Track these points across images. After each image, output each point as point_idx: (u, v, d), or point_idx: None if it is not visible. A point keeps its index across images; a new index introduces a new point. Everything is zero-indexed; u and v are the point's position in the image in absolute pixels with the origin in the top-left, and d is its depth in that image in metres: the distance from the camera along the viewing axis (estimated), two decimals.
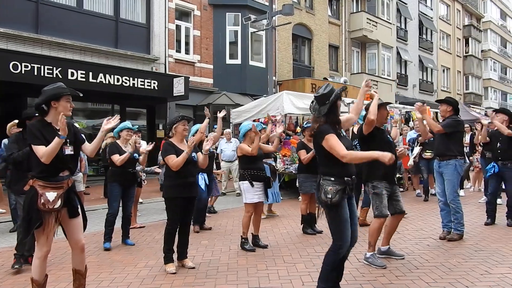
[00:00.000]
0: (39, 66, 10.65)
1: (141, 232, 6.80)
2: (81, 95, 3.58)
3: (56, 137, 3.31)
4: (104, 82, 12.01)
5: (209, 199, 8.61)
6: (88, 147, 3.68)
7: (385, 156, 3.31)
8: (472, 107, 30.48)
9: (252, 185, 5.47)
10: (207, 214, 7.33)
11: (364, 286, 4.04)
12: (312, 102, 3.69)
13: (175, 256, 4.82)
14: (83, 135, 3.76)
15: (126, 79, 12.59)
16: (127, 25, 13.99)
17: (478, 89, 37.43)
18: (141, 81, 12.99)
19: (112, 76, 12.21)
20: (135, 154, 5.97)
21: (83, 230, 3.64)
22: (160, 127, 14.82)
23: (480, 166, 9.75)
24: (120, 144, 5.93)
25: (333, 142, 3.44)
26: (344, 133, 3.84)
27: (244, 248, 5.50)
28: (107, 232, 5.76)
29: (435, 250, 5.26)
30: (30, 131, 3.40)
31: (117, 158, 5.71)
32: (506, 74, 43.39)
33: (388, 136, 4.95)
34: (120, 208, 5.90)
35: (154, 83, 13.35)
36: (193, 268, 4.75)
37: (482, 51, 38.34)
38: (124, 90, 12.62)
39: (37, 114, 3.64)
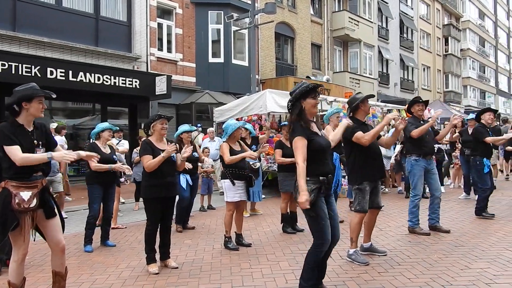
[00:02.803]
0: (16, 64, 10.42)
1: (123, 232, 6.71)
2: (54, 96, 3.47)
3: (46, 156, 3.30)
4: (84, 80, 11.82)
5: (202, 198, 8.60)
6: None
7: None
8: (452, 105, 30.99)
9: (234, 184, 5.45)
10: (191, 214, 7.29)
11: (347, 283, 4.06)
12: (289, 102, 3.70)
13: (157, 256, 4.77)
14: (61, 138, 3.70)
15: (107, 77, 12.42)
16: (108, 23, 13.79)
17: (458, 88, 38.08)
18: (122, 80, 12.83)
19: (92, 74, 12.03)
20: (114, 156, 5.88)
21: (62, 231, 3.56)
22: (143, 126, 14.63)
23: (459, 163, 9.94)
24: (99, 145, 5.79)
25: (297, 146, 3.47)
26: (323, 132, 3.82)
27: (227, 247, 5.48)
28: (87, 235, 5.65)
29: (416, 246, 5.32)
30: (1, 133, 3.27)
31: (94, 164, 5.52)
32: (484, 73, 44.25)
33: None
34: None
35: (136, 81, 13.21)
36: (176, 268, 4.71)
37: (461, 50, 39.01)
38: (105, 89, 12.45)
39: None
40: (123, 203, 9.56)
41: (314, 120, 3.75)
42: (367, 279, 4.16)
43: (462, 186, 9.67)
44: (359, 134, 4.64)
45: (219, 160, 9.10)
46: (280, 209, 6.53)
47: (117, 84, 12.67)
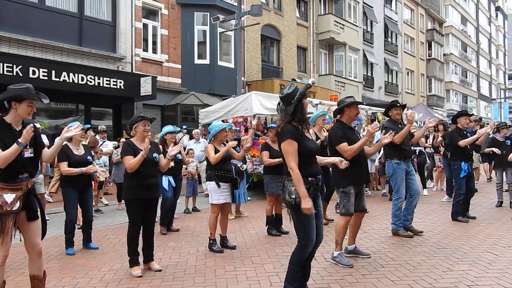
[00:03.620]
0: None
1: (106, 234, 6.63)
2: (47, 101, 3.42)
3: (15, 144, 3.16)
4: (67, 80, 11.65)
5: (187, 200, 8.54)
6: (46, 153, 3.56)
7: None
8: (435, 109, 31.46)
9: (219, 186, 5.43)
10: (175, 215, 7.24)
11: (332, 285, 4.08)
12: (279, 103, 3.69)
13: (141, 259, 4.72)
14: (44, 138, 3.63)
15: (91, 78, 12.27)
16: (92, 23, 13.62)
17: (441, 92, 38.69)
18: (106, 80, 12.69)
19: (76, 74, 11.88)
20: (89, 157, 5.67)
21: (41, 234, 3.49)
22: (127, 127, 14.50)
23: (442, 166, 10.08)
24: (71, 146, 5.52)
25: (289, 150, 3.47)
26: (312, 136, 3.85)
27: (212, 250, 5.45)
28: (68, 239, 5.53)
29: (399, 248, 5.37)
30: None
31: (64, 168, 5.38)
32: (466, 77, 45.04)
33: (358, 135, 5.02)
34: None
35: (120, 82, 13.08)
36: (160, 270, 4.67)
37: (444, 54, 39.68)
38: (89, 89, 12.29)
39: None
40: (107, 205, 9.46)
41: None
42: (351, 282, 4.18)
43: (445, 189, 9.80)
44: (344, 146, 4.67)
45: (204, 162, 9.08)
46: (265, 211, 6.52)
47: (101, 84, 12.52)
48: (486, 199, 9.27)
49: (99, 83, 12.46)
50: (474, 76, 47.59)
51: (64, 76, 11.59)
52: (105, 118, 14.62)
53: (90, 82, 12.25)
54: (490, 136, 8.56)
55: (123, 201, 8.87)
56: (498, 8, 58.07)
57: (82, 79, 12.00)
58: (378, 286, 4.02)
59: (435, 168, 11.35)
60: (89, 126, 8.80)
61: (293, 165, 3.43)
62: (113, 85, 12.86)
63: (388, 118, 6.21)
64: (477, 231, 6.23)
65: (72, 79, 11.76)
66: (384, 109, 14.06)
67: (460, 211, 6.97)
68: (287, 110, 3.57)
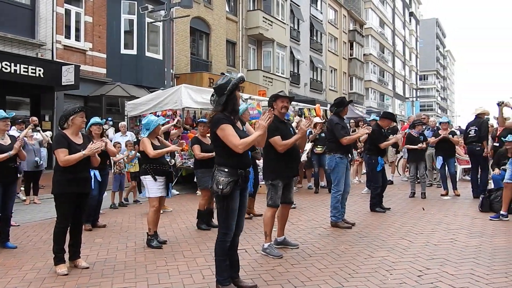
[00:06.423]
0: None
1: (26, 232, 6.23)
2: None
3: None
4: None
5: (113, 195, 8.23)
6: None
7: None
8: (356, 106, 33.12)
9: (155, 180, 5.34)
10: (101, 211, 6.98)
11: (263, 276, 4.18)
12: (213, 95, 3.70)
13: (66, 256, 4.50)
14: None
15: (6, 64, 11.39)
16: (8, 5, 12.56)
17: (361, 90, 40.81)
18: (24, 68, 11.85)
19: None
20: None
21: None
22: (47, 118, 13.64)
23: (360, 160, 10.83)
24: None
25: (228, 132, 3.50)
26: (244, 127, 3.91)
27: (151, 246, 5.29)
28: None
29: (325, 238, 5.64)
30: None
31: None
32: (383, 77, 47.96)
33: (291, 129, 5.15)
34: None
35: (40, 70, 12.32)
36: (87, 268, 4.48)
37: (364, 54, 41.90)
38: (4, 77, 11.42)
39: None
40: (24, 200, 8.85)
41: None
42: (281, 271, 4.32)
43: (365, 182, 10.39)
44: (277, 139, 4.77)
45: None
46: (198, 206, 6.44)
47: (18, 72, 11.69)
48: (401, 190, 9.99)
49: (15, 70, 11.63)
50: (390, 76, 50.80)
51: None
52: (21, 108, 13.65)
53: (6, 68, 11.40)
54: (406, 131, 9.27)
55: (32, 196, 8.44)
56: (411, 14, 62.38)
57: None
58: (306, 275, 4.20)
59: (352, 162, 11.97)
60: (14, 114, 8.13)
61: (237, 143, 3.47)
62: (32, 73, 12.05)
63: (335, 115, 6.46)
64: (393, 220, 6.71)
65: None
66: (310, 105, 14.54)
67: (377, 203, 7.46)
68: (219, 100, 3.61)
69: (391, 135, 8.39)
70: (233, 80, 3.61)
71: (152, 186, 5.37)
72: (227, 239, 3.61)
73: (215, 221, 6.41)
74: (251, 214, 6.98)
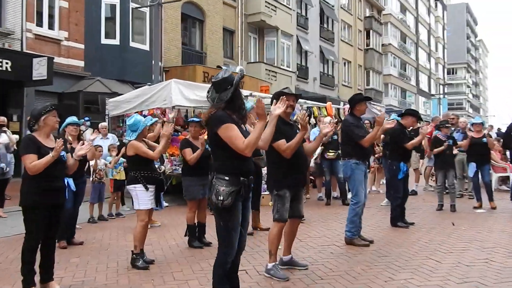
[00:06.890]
0: None
1: None
2: None
3: None
4: None
5: (92, 207, 8.22)
6: None
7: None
8: (373, 104, 33.05)
9: (147, 189, 5.34)
10: (77, 225, 6.97)
11: None
12: (209, 91, 3.68)
13: (37, 278, 4.48)
14: None
15: None
16: None
17: (379, 85, 40.82)
18: None
19: None
20: None
21: None
22: (15, 118, 13.68)
23: (378, 166, 10.78)
24: None
25: (233, 133, 3.48)
26: (247, 128, 3.91)
27: (136, 266, 5.28)
28: None
29: (339, 257, 5.62)
30: None
31: None
32: (405, 71, 48.00)
33: (298, 131, 5.12)
34: None
35: (7, 63, 12.44)
36: None
37: (382, 45, 41.92)
38: None
39: None
40: None
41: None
42: None
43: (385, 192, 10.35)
44: (281, 143, 4.71)
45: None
46: (186, 220, 6.43)
47: None
48: (426, 202, 9.97)
49: None
50: (413, 70, 50.89)
51: None
52: None
53: None
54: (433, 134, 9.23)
55: None
56: None
57: None
58: None
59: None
60: None
61: (243, 146, 3.44)
62: None
63: (350, 113, 6.39)
64: (418, 237, 6.69)
65: None
66: (321, 104, 14.49)
67: (398, 216, 7.42)
68: (221, 96, 3.59)
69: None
70: (239, 73, 3.62)
71: (143, 197, 5.37)
72: (229, 259, 3.58)
73: (209, 237, 6.41)
74: (258, 228, 7.00)
